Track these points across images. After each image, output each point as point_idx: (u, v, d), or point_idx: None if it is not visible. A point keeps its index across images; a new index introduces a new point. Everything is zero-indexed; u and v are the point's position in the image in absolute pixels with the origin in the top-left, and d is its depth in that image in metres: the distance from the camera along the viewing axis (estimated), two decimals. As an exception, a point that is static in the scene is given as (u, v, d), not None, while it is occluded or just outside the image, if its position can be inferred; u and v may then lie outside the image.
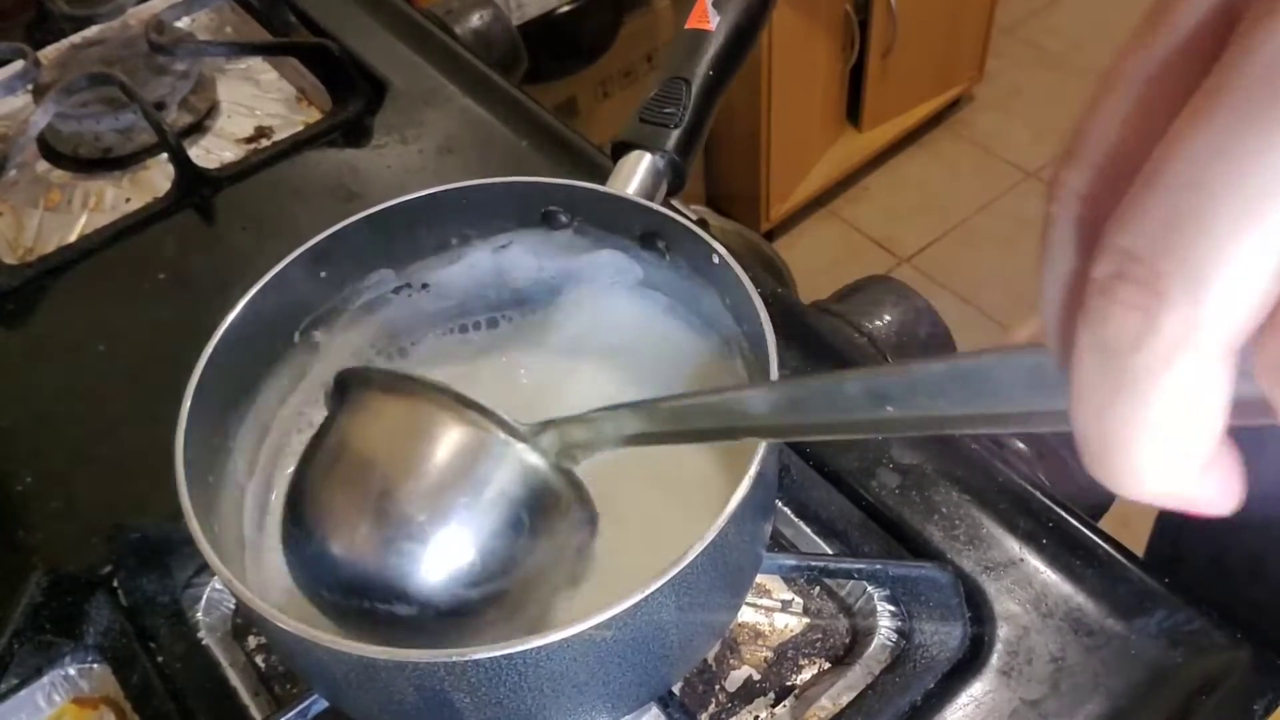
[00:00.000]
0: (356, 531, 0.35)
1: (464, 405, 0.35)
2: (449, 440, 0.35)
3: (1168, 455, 0.17)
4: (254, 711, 0.46)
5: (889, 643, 0.47)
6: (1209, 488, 0.18)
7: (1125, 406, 0.17)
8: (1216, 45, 0.16)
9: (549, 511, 0.36)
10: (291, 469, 0.47)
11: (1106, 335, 0.17)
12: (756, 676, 0.47)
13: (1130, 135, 0.18)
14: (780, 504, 0.51)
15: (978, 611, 0.47)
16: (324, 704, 0.43)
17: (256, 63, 0.82)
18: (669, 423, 0.33)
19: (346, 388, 0.38)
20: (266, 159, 0.71)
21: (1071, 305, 0.18)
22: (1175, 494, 0.18)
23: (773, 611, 0.49)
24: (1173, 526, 0.66)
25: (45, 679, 0.48)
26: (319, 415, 0.48)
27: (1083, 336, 0.17)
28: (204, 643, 0.48)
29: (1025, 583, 0.47)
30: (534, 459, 0.35)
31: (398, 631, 0.35)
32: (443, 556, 0.34)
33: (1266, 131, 0.15)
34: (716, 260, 0.42)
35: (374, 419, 0.37)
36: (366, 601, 0.35)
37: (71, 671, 0.48)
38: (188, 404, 0.39)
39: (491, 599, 0.35)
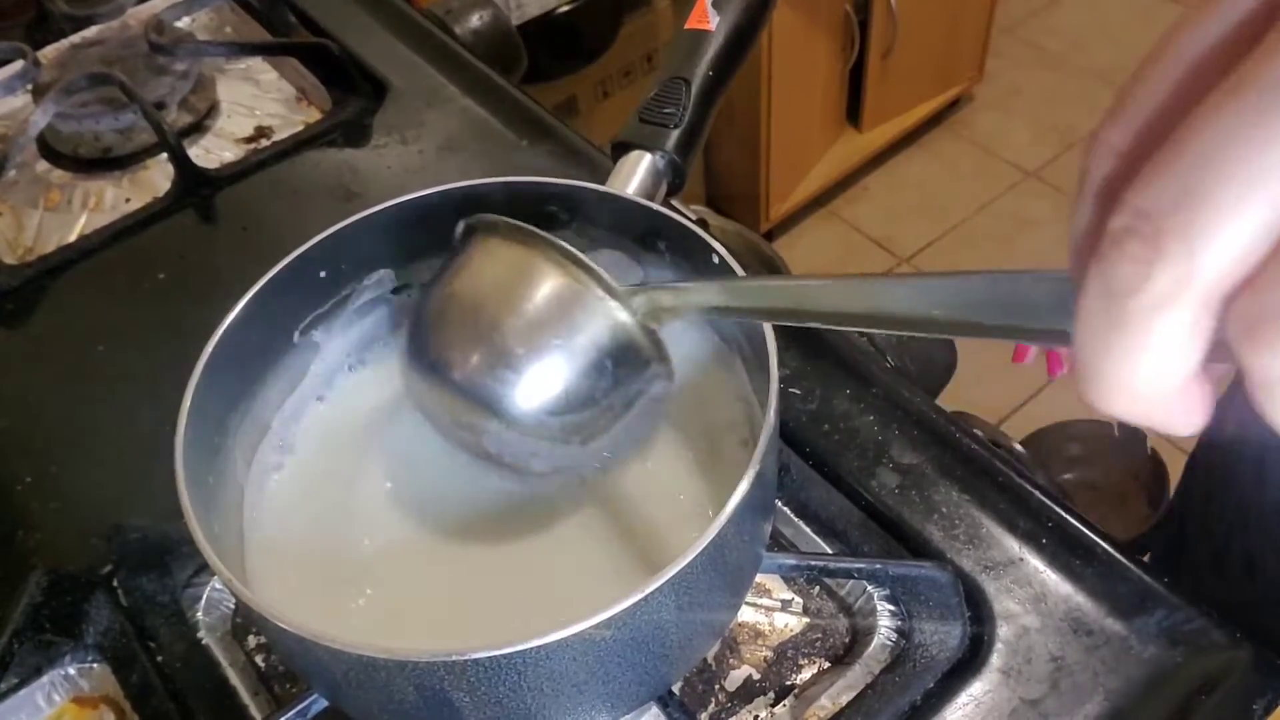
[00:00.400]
0: (466, 356, 0.40)
1: (571, 260, 0.40)
2: (552, 288, 0.40)
3: (1146, 383, 0.20)
4: (254, 711, 0.46)
5: (889, 642, 0.47)
6: (1179, 415, 0.20)
7: (1118, 339, 0.20)
8: (1256, 36, 0.18)
9: (630, 363, 0.40)
10: (288, 469, 0.47)
11: (1111, 279, 0.19)
12: (756, 676, 0.47)
13: (1167, 105, 0.20)
14: (780, 504, 0.52)
15: (977, 611, 0.47)
16: (324, 704, 0.43)
17: (256, 63, 0.82)
18: (746, 299, 0.37)
19: (473, 231, 0.42)
20: (266, 159, 0.71)
21: (1088, 248, 0.20)
22: (1147, 414, 0.21)
23: (773, 611, 0.49)
24: (1176, 528, 0.66)
25: (45, 678, 0.48)
26: (318, 415, 0.48)
27: (1092, 276, 0.20)
28: (204, 642, 0.48)
29: (1025, 582, 0.47)
30: (624, 315, 0.39)
31: (484, 440, 0.41)
32: (535, 385, 0.39)
33: (1275, 126, 0.17)
34: (716, 260, 0.42)
35: (491, 262, 0.42)
36: (465, 416, 0.41)
37: (71, 671, 0.48)
38: (188, 404, 0.39)
39: (570, 428, 0.40)
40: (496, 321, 0.40)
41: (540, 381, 0.39)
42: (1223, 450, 0.65)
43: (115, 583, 0.50)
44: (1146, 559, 0.48)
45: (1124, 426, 0.53)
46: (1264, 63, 0.18)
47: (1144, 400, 0.20)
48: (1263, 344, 0.18)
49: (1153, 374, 0.20)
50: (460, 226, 0.43)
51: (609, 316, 0.39)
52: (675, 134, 0.50)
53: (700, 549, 0.33)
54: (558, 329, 0.39)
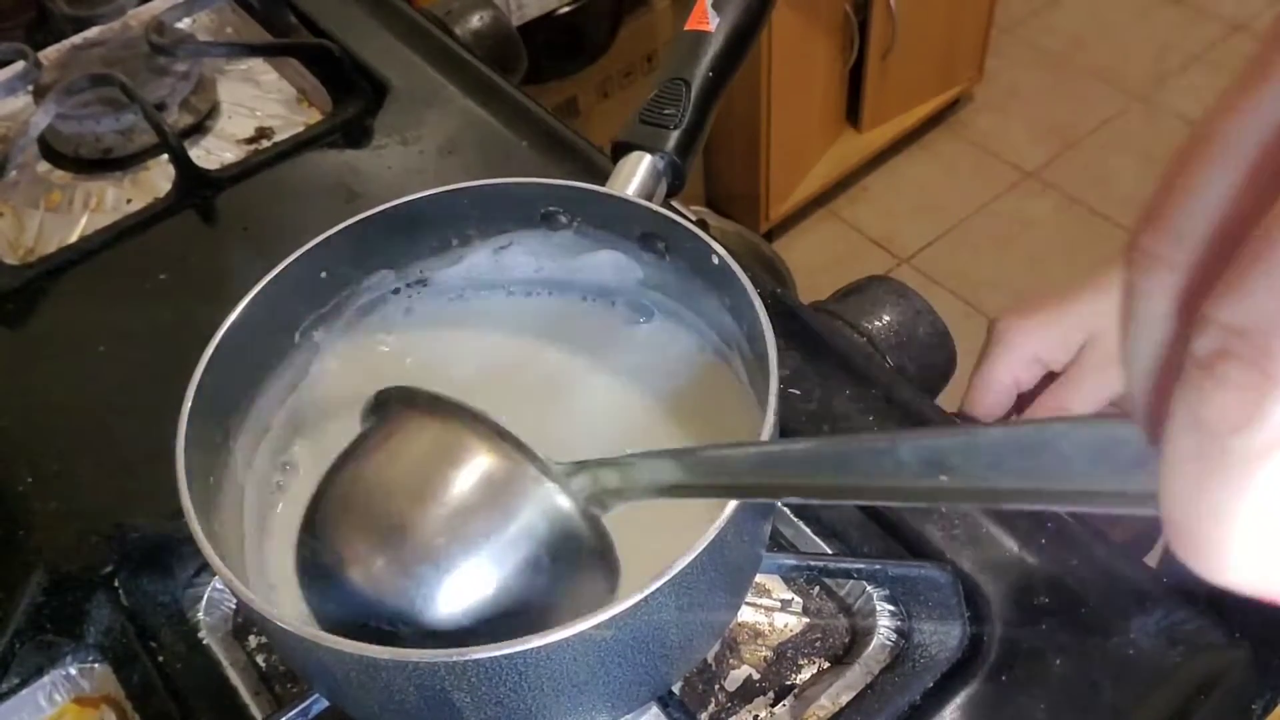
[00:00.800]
0: (373, 551, 0.34)
1: (500, 436, 0.34)
2: (480, 469, 0.34)
3: (1263, 546, 0.16)
4: (254, 711, 0.46)
5: (888, 642, 0.47)
6: None
7: (1222, 492, 0.16)
8: None
9: (570, 558, 0.35)
10: (287, 471, 0.47)
11: (1207, 415, 0.16)
12: (756, 676, 0.47)
13: (1234, 204, 0.16)
14: (780, 504, 0.52)
15: (977, 611, 0.47)
16: (324, 704, 0.43)
17: (257, 63, 0.82)
18: (708, 475, 0.32)
19: (385, 405, 0.37)
20: (267, 160, 0.71)
21: (1166, 381, 0.17)
22: (1267, 586, 0.17)
23: (772, 611, 0.49)
24: None
25: (46, 678, 0.48)
26: (319, 414, 0.48)
27: (1179, 414, 0.16)
28: (205, 642, 0.49)
29: (1024, 582, 0.47)
30: (563, 501, 0.34)
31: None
32: (456, 586, 0.34)
33: None
34: (716, 260, 0.43)
35: (407, 439, 0.36)
36: (372, 621, 0.34)
37: (72, 671, 0.48)
38: (188, 404, 0.39)
39: (499, 634, 0.34)
40: (413, 510, 0.34)
41: (465, 578, 0.33)
42: None
43: (116, 583, 0.50)
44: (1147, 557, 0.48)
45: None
46: None
47: (1266, 565, 0.16)
48: None
49: (1272, 532, 0.16)
50: (370, 400, 0.38)
51: (546, 501, 0.34)
52: (675, 135, 0.50)
53: (700, 549, 0.33)
54: (487, 516, 0.34)
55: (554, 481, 0.34)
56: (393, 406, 0.37)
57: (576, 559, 0.35)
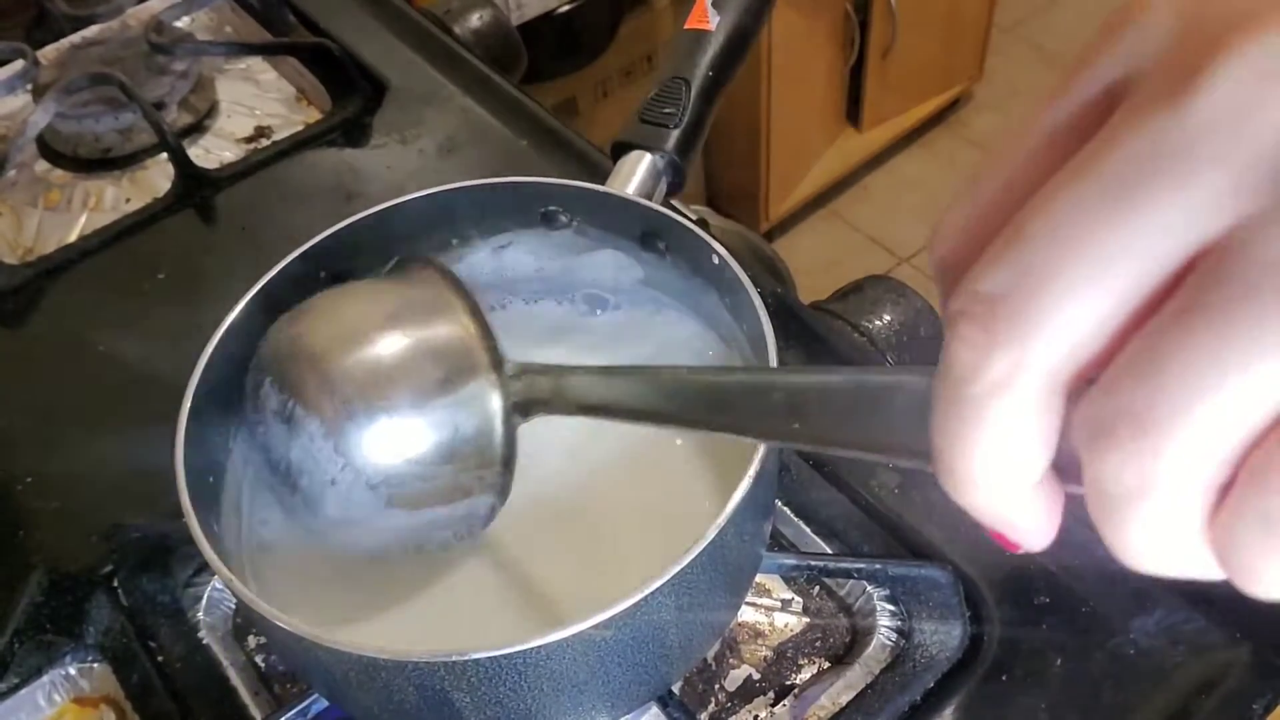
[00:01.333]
0: (310, 376, 0.36)
1: (472, 315, 0.36)
2: (439, 334, 0.36)
3: (990, 478, 0.19)
4: (254, 711, 0.46)
5: (888, 642, 0.47)
6: (1027, 519, 0.20)
7: (960, 428, 0.19)
8: (1099, 121, 0.18)
9: (472, 458, 0.36)
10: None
11: (949, 364, 0.19)
12: (756, 676, 0.47)
13: (1014, 184, 0.20)
14: (780, 504, 0.52)
15: (977, 611, 0.47)
16: (324, 704, 0.43)
17: (256, 62, 0.82)
18: (626, 397, 0.33)
19: (401, 265, 0.39)
20: (266, 159, 0.71)
21: None
22: (997, 514, 0.20)
23: (772, 611, 0.49)
24: None
25: (46, 678, 0.48)
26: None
27: (940, 364, 0.19)
28: (204, 642, 0.48)
29: (1024, 582, 0.47)
30: (494, 403, 0.35)
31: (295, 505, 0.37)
32: (366, 439, 0.35)
33: (1116, 209, 0.17)
34: (716, 260, 0.42)
35: (392, 288, 0.38)
36: (293, 460, 0.36)
37: (72, 671, 0.48)
38: (188, 404, 0.39)
39: (392, 483, 0.35)
40: (362, 348, 0.36)
41: (378, 434, 0.35)
42: None
43: (116, 582, 0.50)
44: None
45: None
46: (1105, 147, 0.17)
47: (991, 498, 0.19)
48: (1102, 451, 0.17)
49: (995, 468, 0.19)
50: (393, 261, 0.40)
51: (481, 394, 0.35)
52: (675, 134, 0.50)
53: (700, 549, 0.33)
54: (428, 379, 0.35)
55: (498, 377, 0.35)
56: (403, 265, 0.39)
57: (476, 462, 0.36)
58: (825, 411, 0.25)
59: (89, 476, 0.55)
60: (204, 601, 0.50)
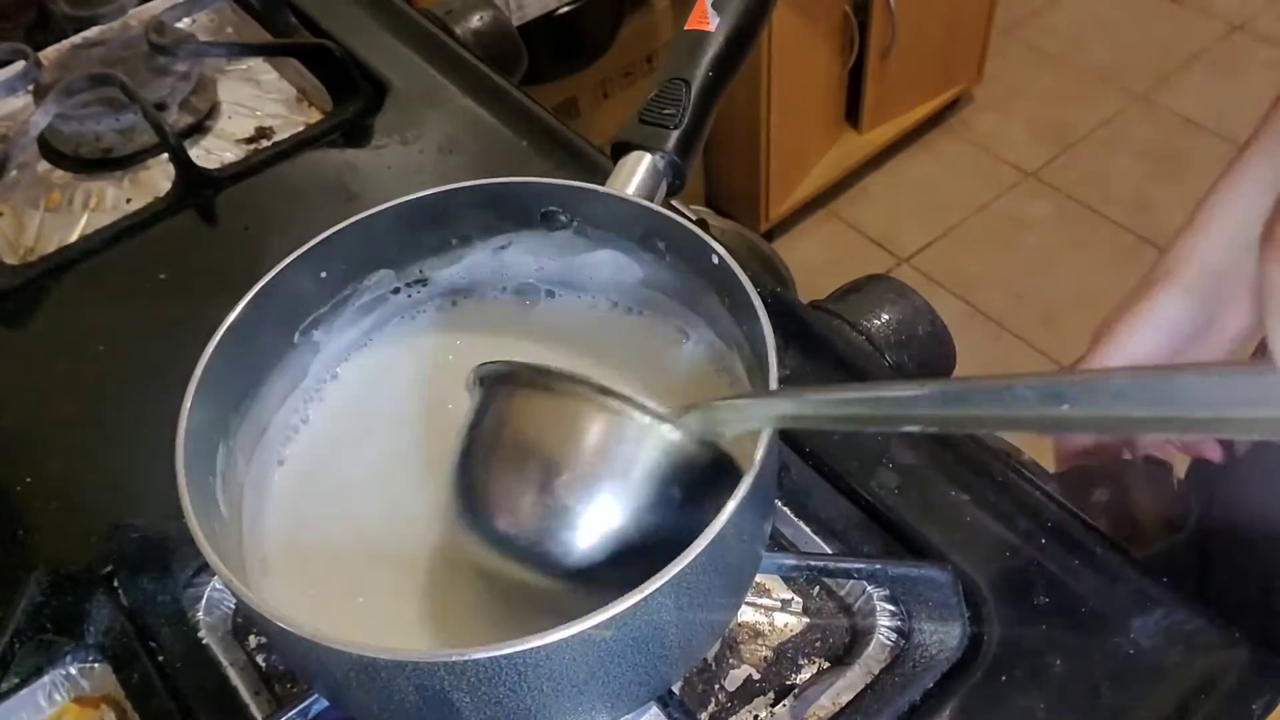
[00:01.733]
0: (522, 522, 0.37)
1: (604, 393, 0.37)
2: (595, 429, 0.37)
3: None
4: (254, 711, 0.46)
5: (888, 642, 0.47)
6: None
7: None
8: None
9: (700, 483, 0.37)
10: (286, 469, 0.47)
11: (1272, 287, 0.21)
12: (756, 676, 0.47)
13: None
14: (780, 504, 0.52)
15: (977, 611, 0.47)
16: (324, 704, 0.43)
17: (257, 63, 0.82)
18: (824, 408, 0.34)
19: (490, 382, 0.40)
20: (267, 159, 0.71)
21: None
22: None
23: (772, 611, 0.49)
24: (1200, 542, 0.66)
25: (46, 678, 0.48)
26: (318, 414, 0.48)
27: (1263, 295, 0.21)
28: (204, 642, 0.49)
29: (1024, 582, 0.47)
30: (677, 436, 0.37)
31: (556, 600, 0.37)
32: (599, 539, 0.36)
33: None
34: (716, 260, 0.43)
35: (523, 413, 0.39)
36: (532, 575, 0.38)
37: (72, 670, 0.48)
38: (188, 404, 0.39)
39: (656, 564, 0.35)
40: (545, 480, 0.37)
41: (605, 530, 0.37)
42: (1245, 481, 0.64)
43: (116, 582, 0.50)
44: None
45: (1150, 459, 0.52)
46: None
47: None
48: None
49: None
50: (471, 375, 0.40)
51: (662, 440, 0.37)
52: (675, 134, 0.50)
53: (700, 549, 0.33)
54: (610, 469, 0.37)
55: (666, 422, 0.37)
56: (499, 383, 0.40)
57: (703, 481, 0.37)
58: (1099, 394, 0.26)
59: (89, 476, 0.55)
60: (204, 601, 0.50)
